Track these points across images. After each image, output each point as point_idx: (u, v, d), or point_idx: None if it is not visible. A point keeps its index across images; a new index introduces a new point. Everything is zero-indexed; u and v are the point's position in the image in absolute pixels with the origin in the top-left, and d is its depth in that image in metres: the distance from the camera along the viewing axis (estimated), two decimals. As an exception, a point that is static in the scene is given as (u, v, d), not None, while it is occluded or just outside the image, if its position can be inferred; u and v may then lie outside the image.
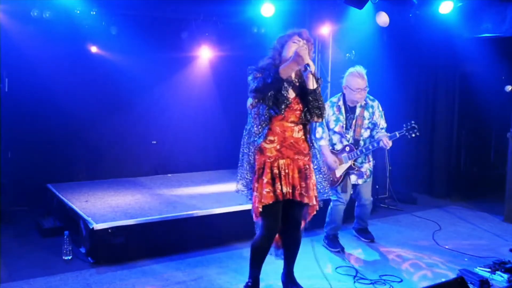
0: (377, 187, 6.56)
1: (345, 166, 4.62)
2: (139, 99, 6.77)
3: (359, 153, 4.57)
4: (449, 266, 4.36)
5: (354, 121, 4.60)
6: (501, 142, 6.91)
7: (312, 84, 3.27)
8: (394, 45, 7.01)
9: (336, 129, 4.62)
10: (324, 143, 4.58)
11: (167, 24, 6.70)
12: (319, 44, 7.16)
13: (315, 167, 3.52)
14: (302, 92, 3.36)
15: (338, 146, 4.65)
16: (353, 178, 4.70)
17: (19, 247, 4.71)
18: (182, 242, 4.67)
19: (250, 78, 3.33)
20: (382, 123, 4.69)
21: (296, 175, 3.36)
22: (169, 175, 6.91)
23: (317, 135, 4.58)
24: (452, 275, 4.09)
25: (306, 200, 3.36)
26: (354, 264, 4.37)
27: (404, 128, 4.50)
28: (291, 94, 3.37)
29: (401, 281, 4.03)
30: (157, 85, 6.88)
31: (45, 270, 4.12)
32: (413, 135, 4.50)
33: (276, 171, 3.32)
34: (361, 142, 4.63)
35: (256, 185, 3.36)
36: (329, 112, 4.62)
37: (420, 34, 6.81)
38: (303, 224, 3.62)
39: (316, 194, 3.46)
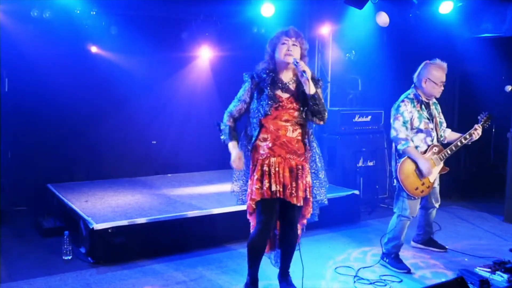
0: (377, 187, 6.56)
1: (437, 170, 4.20)
2: (139, 99, 6.76)
3: (449, 152, 4.21)
4: (449, 266, 4.36)
5: (433, 119, 4.26)
6: (501, 142, 6.90)
7: (309, 90, 3.21)
8: (394, 45, 7.01)
9: (422, 126, 4.17)
10: (412, 145, 4.11)
11: (167, 24, 6.70)
12: (319, 44, 7.16)
13: (312, 171, 3.47)
14: (298, 92, 3.34)
15: (422, 148, 4.18)
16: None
17: (19, 247, 4.71)
18: (182, 242, 4.67)
19: (243, 86, 3.41)
20: (444, 121, 4.44)
21: (287, 174, 3.33)
22: (169, 175, 6.90)
23: (402, 135, 4.09)
24: (452, 275, 4.10)
25: (294, 201, 3.32)
26: (353, 264, 4.37)
27: (481, 121, 4.29)
28: (284, 95, 3.34)
29: (401, 281, 4.03)
30: (157, 85, 6.87)
31: (45, 270, 4.13)
32: (487, 125, 4.31)
33: (266, 168, 3.31)
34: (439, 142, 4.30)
35: (249, 182, 3.39)
36: (409, 108, 4.16)
37: (420, 34, 6.80)
38: (299, 229, 3.60)
39: (308, 197, 3.41)
